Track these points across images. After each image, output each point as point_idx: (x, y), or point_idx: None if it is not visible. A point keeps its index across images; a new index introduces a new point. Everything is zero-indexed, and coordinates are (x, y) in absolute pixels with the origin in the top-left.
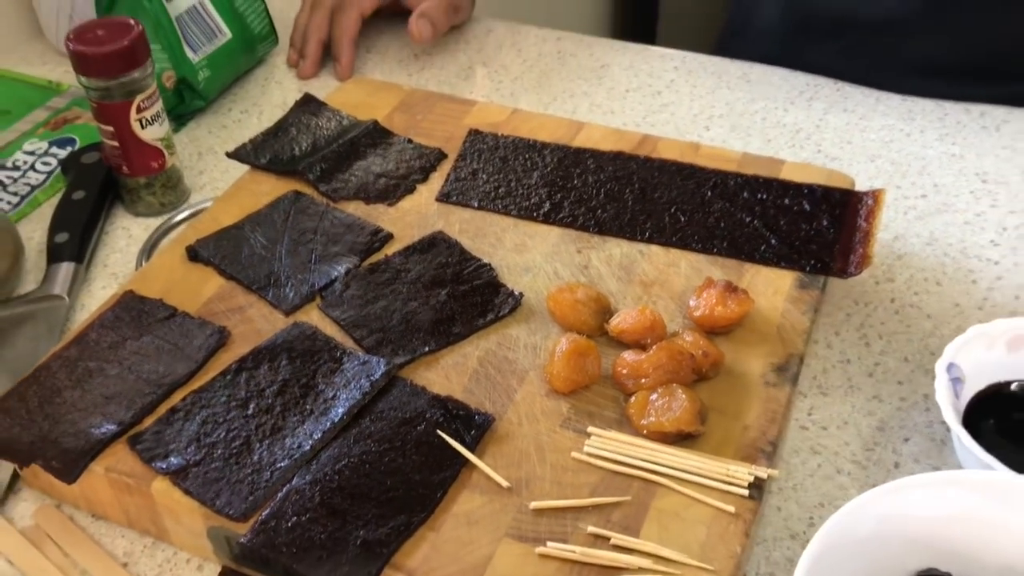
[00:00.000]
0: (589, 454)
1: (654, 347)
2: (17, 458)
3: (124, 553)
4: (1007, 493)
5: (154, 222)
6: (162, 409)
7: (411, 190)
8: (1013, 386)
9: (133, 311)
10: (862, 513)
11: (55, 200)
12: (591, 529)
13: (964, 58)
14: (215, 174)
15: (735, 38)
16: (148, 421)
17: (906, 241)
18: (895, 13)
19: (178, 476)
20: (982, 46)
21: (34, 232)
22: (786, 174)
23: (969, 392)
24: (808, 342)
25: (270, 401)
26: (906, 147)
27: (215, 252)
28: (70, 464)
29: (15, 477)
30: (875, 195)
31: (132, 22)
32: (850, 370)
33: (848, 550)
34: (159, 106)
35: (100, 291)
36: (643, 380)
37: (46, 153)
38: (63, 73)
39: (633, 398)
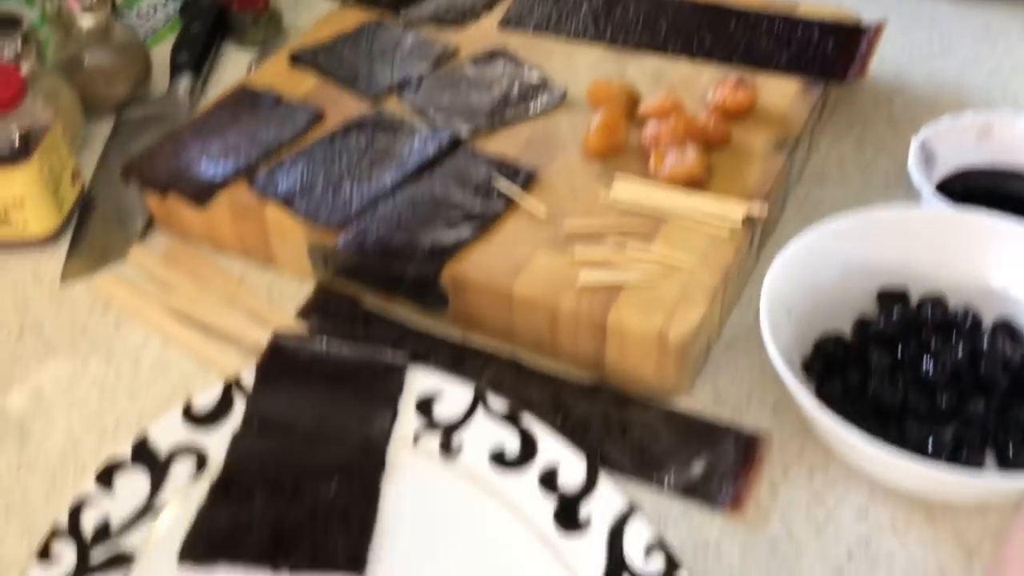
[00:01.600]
0: (614, 197)
1: (673, 118)
2: (159, 188)
3: (239, 274)
4: (956, 224)
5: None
6: (272, 161)
7: (477, 16)
8: (979, 169)
9: (248, 97)
10: (829, 233)
11: (174, 37)
12: (612, 239)
13: None
14: (308, 18)
15: None
16: (262, 167)
17: (909, 76)
18: None
19: (287, 202)
20: None
21: (157, 59)
22: (802, 13)
23: (941, 172)
24: (805, 128)
25: (357, 157)
26: (918, 2)
27: (313, 58)
28: (202, 192)
29: (149, 224)
30: (876, 27)
31: None
32: (846, 166)
33: (815, 267)
34: None
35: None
36: (663, 142)
37: (164, 5)
38: None
39: (653, 154)
